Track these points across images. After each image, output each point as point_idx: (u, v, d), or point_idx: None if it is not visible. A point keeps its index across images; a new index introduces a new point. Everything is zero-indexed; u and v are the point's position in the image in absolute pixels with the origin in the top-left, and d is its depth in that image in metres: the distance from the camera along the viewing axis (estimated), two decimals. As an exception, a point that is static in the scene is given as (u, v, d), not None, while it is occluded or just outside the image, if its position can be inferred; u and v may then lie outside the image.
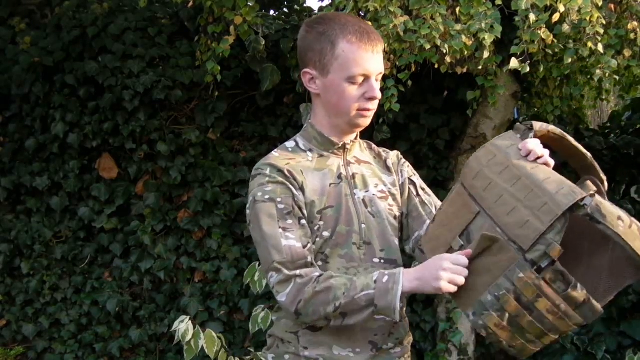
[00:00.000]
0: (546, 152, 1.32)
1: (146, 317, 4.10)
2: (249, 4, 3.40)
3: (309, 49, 1.46)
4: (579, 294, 1.21)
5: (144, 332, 4.08)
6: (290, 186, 1.42)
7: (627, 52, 3.14)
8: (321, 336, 1.44)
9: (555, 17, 2.82)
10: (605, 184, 1.40)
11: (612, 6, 3.10)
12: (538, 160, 1.30)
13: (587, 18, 2.81)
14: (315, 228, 1.43)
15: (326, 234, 1.44)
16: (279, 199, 1.40)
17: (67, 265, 4.21)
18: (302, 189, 1.43)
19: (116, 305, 4.04)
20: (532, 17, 2.77)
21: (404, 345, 1.53)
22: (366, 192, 1.50)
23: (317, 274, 1.37)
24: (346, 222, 1.45)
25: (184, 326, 2.57)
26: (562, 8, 2.81)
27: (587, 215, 1.20)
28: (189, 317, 2.66)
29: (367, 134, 1.67)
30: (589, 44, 2.87)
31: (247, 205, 1.46)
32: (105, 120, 4.04)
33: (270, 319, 2.61)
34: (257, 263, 2.83)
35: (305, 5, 4.77)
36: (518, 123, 1.41)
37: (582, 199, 1.20)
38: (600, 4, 2.89)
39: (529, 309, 1.23)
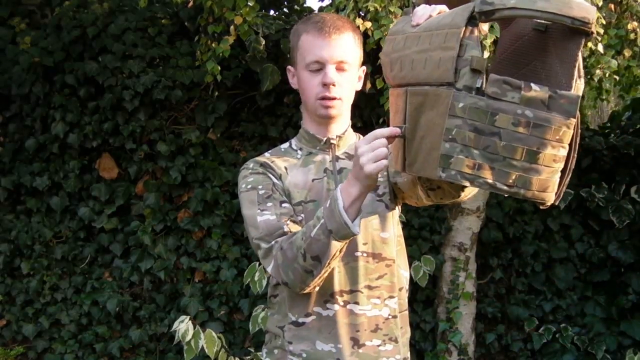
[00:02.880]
0: (434, 8, 1.27)
1: (146, 317, 4.10)
2: (249, 4, 3.40)
3: (290, 49, 1.56)
4: (537, 92, 1.09)
5: (144, 332, 4.07)
6: (270, 175, 1.49)
7: (627, 52, 3.15)
8: (304, 331, 1.45)
9: (555, 17, 2.82)
10: None
11: (612, 6, 3.10)
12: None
13: (587, 18, 2.80)
14: (298, 220, 1.45)
15: None
16: (260, 186, 1.47)
17: (67, 265, 4.21)
18: (280, 179, 1.49)
19: (116, 305, 4.04)
20: (532, 17, 2.76)
21: (398, 344, 1.50)
22: None
23: (285, 237, 1.39)
24: None
25: (184, 326, 2.57)
26: (562, 8, 2.80)
27: (480, 14, 1.09)
28: (189, 317, 2.66)
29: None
30: (589, 44, 2.87)
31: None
32: (105, 120, 4.04)
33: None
34: (257, 263, 2.83)
35: (305, 5, 4.77)
36: (406, 8, 1.36)
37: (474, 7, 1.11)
38: (600, 4, 2.89)
39: (493, 134, 1.11)
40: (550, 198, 1.16)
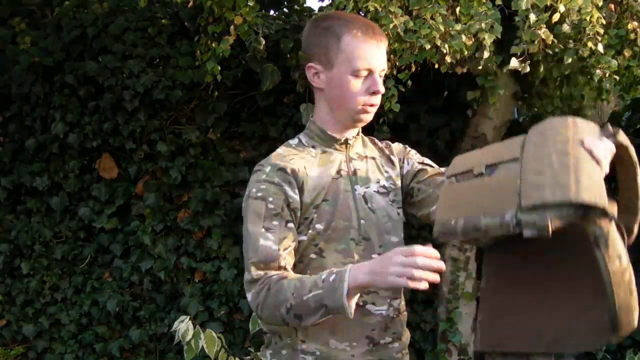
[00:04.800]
0: (605, 161, 1.21)
1: (146, 317, 4.10)
2: (249, 4, 3.40)
3: (314, 44, 1.48)
4: None
5: (144, 332, 4.07)
6: (286, 187, 1.42)
7: (627, 52, 3.15)
8: (319, 329, 1.43)
9: (555, 17, 2.82)
10: (633, 236, 1.30)
11: (612, 6, 3.10)
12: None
13: (587, 18, 2.81)
14: (308, 221, 1.44)
15: (319, 226, 1.44)
16: (270, 199, 1.42)
17: (67, 265, 4.21)
18: (301, 189, 1.44)
19: (116, 305, 4.04)
20: (532, 17, 2.77)
21: (402, 341, 1.54)
22: (367, 188, 1.51)
23: (277, 276, 1.37)
24: (343, 217, 1.45)
25: (184, 326, 2.57)
26: (562, 8, 2.81)
27: (592, 235, 1.11)
28: (189, 317, 2.66)
29: (367, 134, 1.67)
30: (589, 44, 2.87)
31: (244, 199, 1.50)
32: (105, 120, 4.04)
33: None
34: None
35: (305, 5, 4.77)
36: (608, 124, 1.31)
37: (601, 211, 1.10)
38: (600, 4, 2.89)
39: None
40: None
